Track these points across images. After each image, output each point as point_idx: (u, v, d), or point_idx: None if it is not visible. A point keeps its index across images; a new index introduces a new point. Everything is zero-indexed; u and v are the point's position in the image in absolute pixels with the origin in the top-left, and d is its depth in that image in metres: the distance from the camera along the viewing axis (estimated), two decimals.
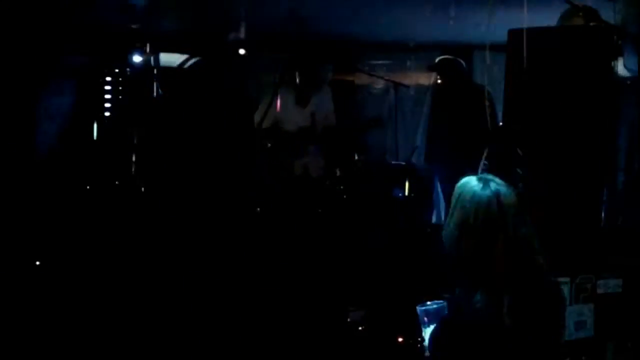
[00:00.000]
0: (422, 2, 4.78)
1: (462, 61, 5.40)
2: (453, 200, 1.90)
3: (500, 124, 4.39)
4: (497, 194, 1.82)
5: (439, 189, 5.82)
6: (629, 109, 3.82)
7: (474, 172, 2.10)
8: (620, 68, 3.54)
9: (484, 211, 1.80)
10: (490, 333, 1.75)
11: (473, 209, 1.81)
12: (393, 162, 5.79)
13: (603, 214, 3.33)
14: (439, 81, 5.55)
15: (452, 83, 5.34)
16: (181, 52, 6.29)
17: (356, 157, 5.41)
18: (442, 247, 1.89)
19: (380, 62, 6.79)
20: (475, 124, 4.68)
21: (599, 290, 3.04)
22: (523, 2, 3.36)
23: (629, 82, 3.74)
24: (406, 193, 5.24)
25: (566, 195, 3.17)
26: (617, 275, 3.11)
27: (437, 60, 5.46)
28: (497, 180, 1.88)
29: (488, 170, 3.17)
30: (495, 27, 3.29)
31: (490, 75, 5.03)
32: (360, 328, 3.75)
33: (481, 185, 1.85)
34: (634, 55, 3.69)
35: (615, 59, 3.35)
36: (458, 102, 5.24)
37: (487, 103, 3.62)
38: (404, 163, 5.58)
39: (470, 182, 1.89)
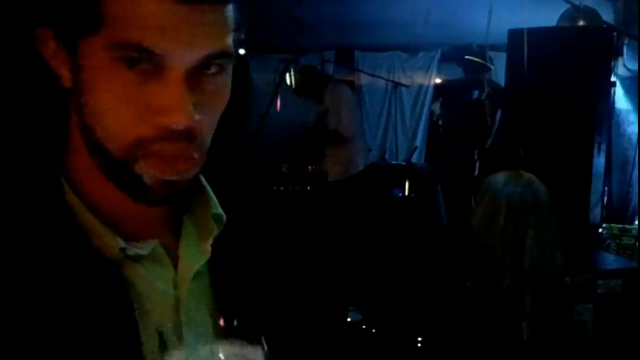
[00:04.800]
0: (423, 2, 4.77)
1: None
2: (482, 191, 1.90)
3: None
4: (530, 186, 1.83)
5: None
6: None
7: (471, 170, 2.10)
8: (621, 68, 3.55)
9: (517, 201, 1.81)
10: (511, 321, 1.75)
11: (506, 198, 1.82)
12: (393, 162, 5.78)
13: (602, 213, 3.33)
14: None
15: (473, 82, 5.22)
16: None
17: None
18: (467, 238, 1.89)
19: (380, 62, 6.77)
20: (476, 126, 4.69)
21: (599, 290, 3.04)
22: (523, 2, 3.37)
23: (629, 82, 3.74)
24: (406, 193, 5.22)
25: (565, 195, 3.17)
26: (617, 275, 3.10)
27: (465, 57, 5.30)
28: (529, 174, 1.89)
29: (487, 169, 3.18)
30: (495, 27, 3.29)
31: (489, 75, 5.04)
32: (360, 328, 3.75)
33: (513, 177, 1.86)
34: (634, 55, 3.69)
35: (615, 59, 3.36)
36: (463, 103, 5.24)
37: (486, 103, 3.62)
38: (404, 163, 5.57)
39: (502, 174, 1.89)
